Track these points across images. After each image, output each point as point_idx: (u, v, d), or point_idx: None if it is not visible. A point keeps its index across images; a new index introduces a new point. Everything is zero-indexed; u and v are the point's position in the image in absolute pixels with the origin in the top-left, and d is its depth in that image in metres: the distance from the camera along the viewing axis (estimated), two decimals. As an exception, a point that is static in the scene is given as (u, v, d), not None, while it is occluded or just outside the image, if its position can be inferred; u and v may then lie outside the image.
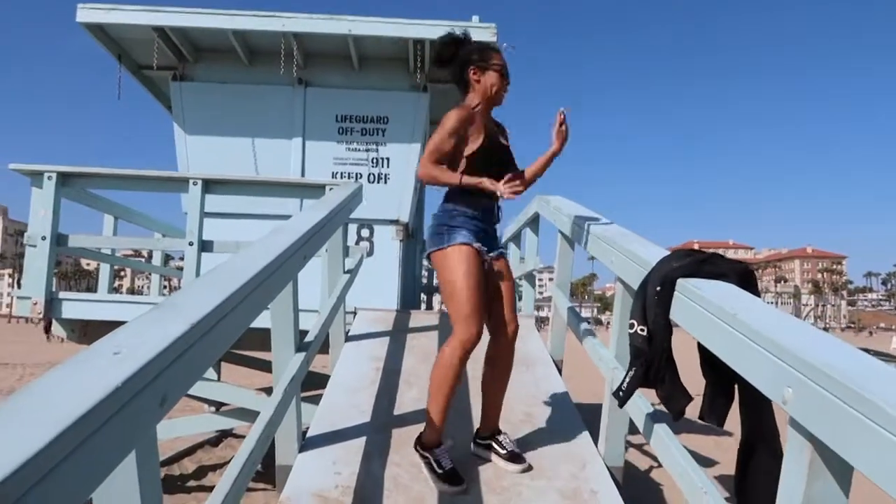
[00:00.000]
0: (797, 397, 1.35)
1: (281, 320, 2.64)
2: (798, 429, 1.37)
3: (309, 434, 2.91)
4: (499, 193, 2.48)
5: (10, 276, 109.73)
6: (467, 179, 2.51)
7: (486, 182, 2.49)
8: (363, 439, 2.89)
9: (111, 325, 4.92)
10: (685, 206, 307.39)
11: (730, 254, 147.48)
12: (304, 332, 3.01)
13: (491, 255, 2.68)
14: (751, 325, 1.55)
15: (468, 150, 2.59)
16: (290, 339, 2.69)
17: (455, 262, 2.52)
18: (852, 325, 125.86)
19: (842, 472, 1.32)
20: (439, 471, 2.48)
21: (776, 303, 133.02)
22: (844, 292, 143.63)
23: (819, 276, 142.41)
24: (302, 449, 2.79)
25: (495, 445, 2.70)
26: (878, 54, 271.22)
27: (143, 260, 9.45)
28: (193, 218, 4.66)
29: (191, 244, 4.64)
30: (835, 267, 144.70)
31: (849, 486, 1.35)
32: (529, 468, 2.64)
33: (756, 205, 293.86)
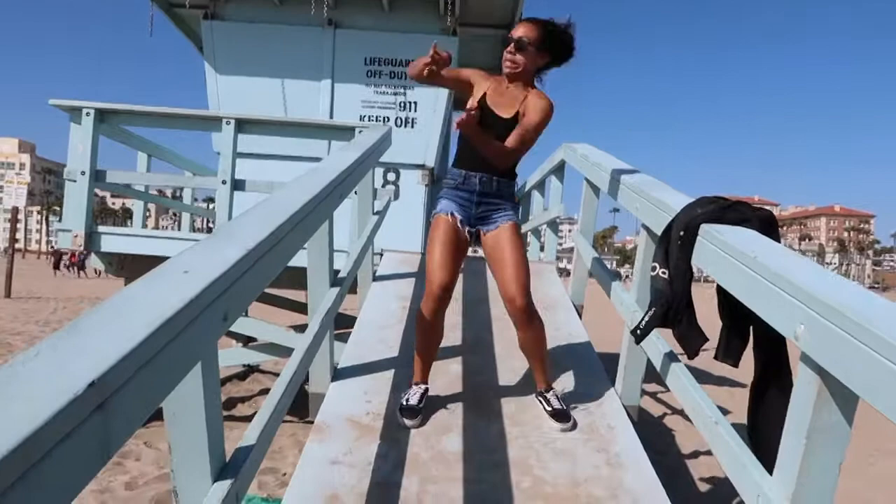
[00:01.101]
0: (809, 333, 1.45)
1: (317, 257, 2.77)
2: (808, 363, 1.47)
3: (340, 366, 3.07)
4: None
5: (38, 213, 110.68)
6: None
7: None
8: (391, 372, 3.05)
9: (148, 260, 5.16)
10: (712, 161, 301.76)
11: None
12: (337, 272, 3.14)
13: (487, 227, 2.75)
14: (769, 266, 1.63)
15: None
16: (326, 274, 2.82)
17: (433, 229, 2.76)
18: (876, 285, 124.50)
19: (847, 402, 1.43)
20: (402, 402, 2.67)
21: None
22: (870, 252, 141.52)
23: (845, 234, 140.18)
24: (334, 379, 2.95)
25: (542, 402, 2.76)
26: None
27: (169, 198, 9.63)
28: (226, 157, 4.78)
29: (224, 183, 4.77)
30: (862, 226, 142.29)
31: (853, 416, 1.45)
32: (573, 427, 2.64)
33: (784, 162, 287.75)
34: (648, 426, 6.16)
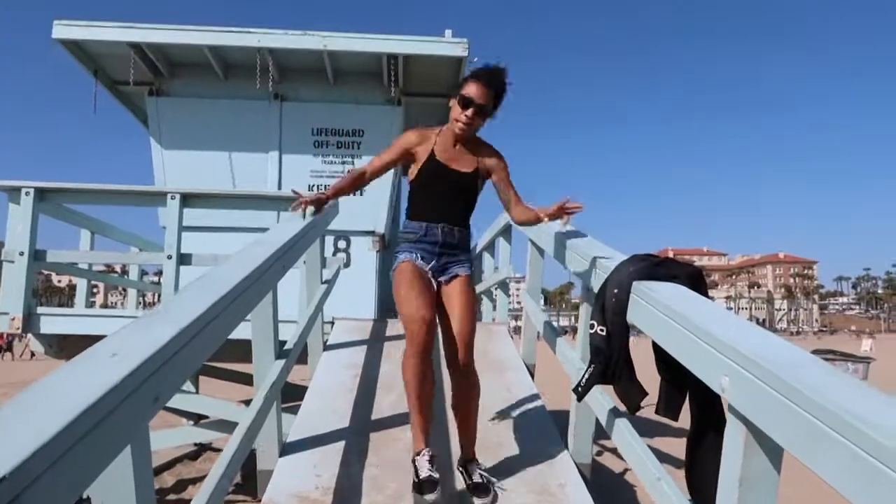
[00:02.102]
0: (733, 385, 1.51)
1: (261, 329, 2.75)
2: (734, 413, 1.52)
3: (289, 439, 3.01)
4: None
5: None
6: (329, 192, 3.05)
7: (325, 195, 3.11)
8: (342, 443, 3.00)
9: (90, 339, 4.98)
10: (660, 215, 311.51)
11: (704, 260, 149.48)
12: (284, 343, 3.11)
13: (443, 277, 2.74)
14: (693, 320, 1.70)
15: (411, 171, 2.81)
16: (270, 346, 2.79)
17: (398, 277, 2.67)
18: (825, 329, 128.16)
19: (773, 451, 1.47)
20: (415, 479, 2.49)
21: (750, 308, 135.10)
22: (816, 296, 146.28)
23: (791, 280, 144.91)
24: (282, 454, 2.88)
25: (463, 473, 2.65)
26: (858, 60, 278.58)
27: (117, 275, 9.44)
28: (172, 232, 4.74)
29: (169, 257, 4.72)
30: (806, 272, 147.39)
31: (780, 465, 1.50)
32: (494, 500, 2.51)
33: (730, 213, 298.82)
34: (608, 482, 6.13)
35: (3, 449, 0.88)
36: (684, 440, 2.09)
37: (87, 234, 5.94)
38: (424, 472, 2.44)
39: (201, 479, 6.91)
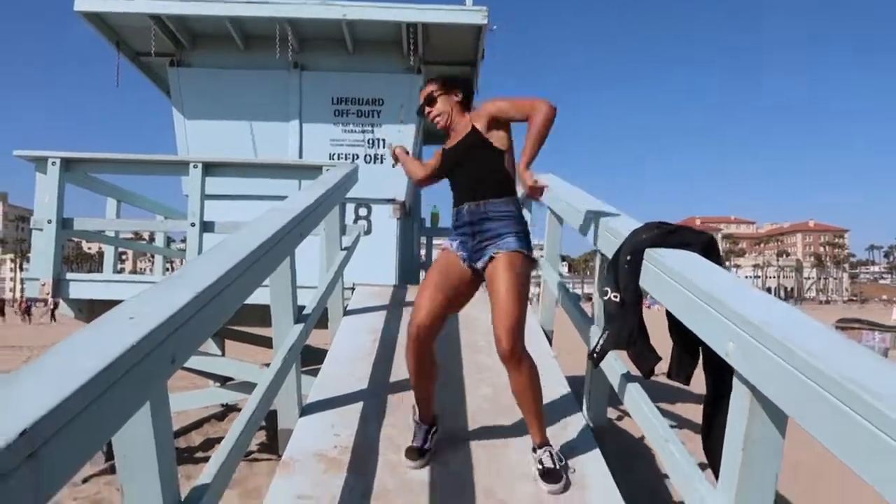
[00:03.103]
0: (738, 350, 1.52)
1: (279, 293, 2.81)
2: (740, 378, 1.54)
3: (308, 401, 3.09)
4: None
5: (11, 260, 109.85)
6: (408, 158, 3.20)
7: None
8: (360, 404, 3.07)
9: (116, 304, 5.14)
10: (688, 182, 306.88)
11: (731, 228, 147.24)
12: (303, 307, 3.18)
13: (479, 262, 2.61)
14: (702, 287, 1.71)
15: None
16: (289, 311, 2.86)
17: (433, 264, 2.74)
18: (855, 298, 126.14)
19: (777, 416, 1.49)
20: (407, 444, 2.64)
21: (778, 276, 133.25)
22: (846, 265, 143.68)
23: (821, 249, 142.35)
24: (302, 414, 2.96)
25: (534, 460, 2.53)
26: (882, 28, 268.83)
27: (145, 242, 9.63)
28: (194, 200, 4.81)
29: (193, 225, 4.80)
30: (837, 240, 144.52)
31: (784, 430, 1.51)
32: (565, 488, 2.41)
33: (759, 179, 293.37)
34: (616, 441, 6.18)
35: (24, 405, 0.93)
36: (694, 404, 2.12)
37: (114, 203, 6.05)
38: (418, 441, 2.61)
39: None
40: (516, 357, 2.43)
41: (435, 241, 8.34)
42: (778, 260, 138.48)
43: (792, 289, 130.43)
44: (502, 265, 2.50)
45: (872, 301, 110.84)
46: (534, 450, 2.55)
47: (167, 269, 8.88)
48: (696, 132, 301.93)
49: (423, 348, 2.54)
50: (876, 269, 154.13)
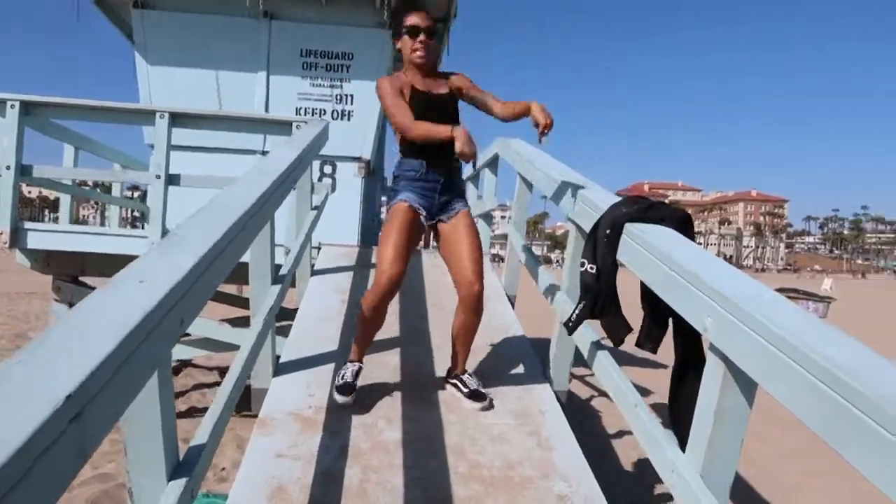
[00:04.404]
0: (715, 325, 1.63)
1: (259, 255, 2.82)
2: (715, 352, 1.65)
3: (282, 360, 3.13)
4: (457, 149, 2.55)
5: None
6: (455, 130, 2.56)
7: (446, 130, 2.58)
8: (332, 365, 3.13)
9: (75, 256, 5.01)
10: (636, 148, 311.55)
11: (678, 195, 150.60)
12: (279, 267, 3.19)
13: (443, 216, 2.82)
14: (682, 264, 1.81)
15: None
16: (267, 272, 2.87)
17: (390, 217, 2.74)
18: (789, 266, 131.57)
19: (748, 387, 1.62)
20: (338, 381, 2.76)
21: (719, 244, 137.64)
22: (784, 235, 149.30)
23: (761, 219, 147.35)
24: (276, 374, 3.01)
25: (459, 385, 2.88)
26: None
27: (99, 191, 9.32)
28: (160, 151, 4.70)
29: (158, 177, 4.70)
30: (776, 210, 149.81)
31: (753, 399, 1.64)
32: (490, 406, 2.79)
33: (706, 148, 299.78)
34: (577, 408, 6.45)
35: (65, 368, 0.96)
36: (650, 371, 2.25)
37: (71, 150, 5.84)
38: (349, 376, 2.77)
39: (183, 393, 7.09)
40: (481, 297, 2.75)
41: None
42: (720, 228, 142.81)
43: (731, 256, 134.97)
44: (468, 220, 2.84)
45: (804, 270, 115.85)
46: (458, 376, 2.90)
47: (125, 220, 8.65)
48: (647, 103, 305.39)
49: (388, 301, 2.71)
50: (811, 239, 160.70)
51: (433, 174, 2.77)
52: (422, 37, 2.71)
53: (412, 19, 2.73)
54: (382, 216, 9.64)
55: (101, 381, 1.01)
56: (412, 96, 2.75)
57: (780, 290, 18.24)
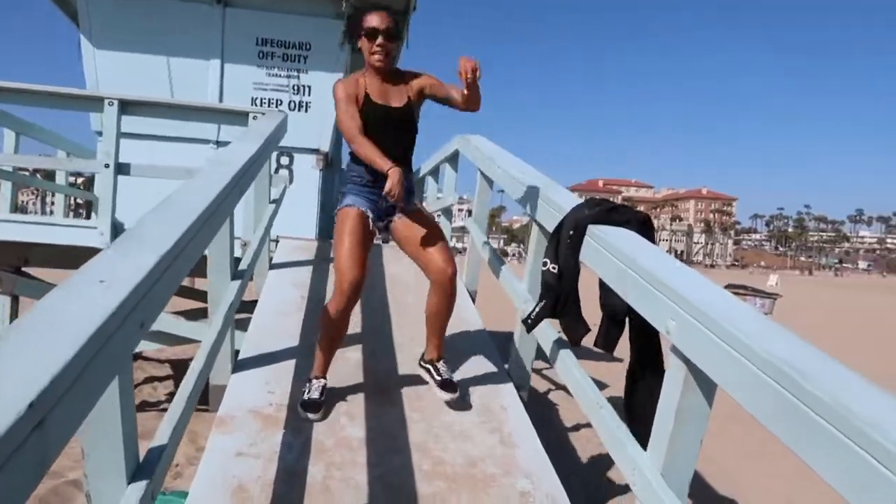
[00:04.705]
0: (678, 328, 1.67)
1: (218, 251, 2.76)
2: (677, 353, 1.69)
3: (241, 356, 3.07)
4: (386, 189, 2.56)
5: None
6: (391, 170, 2.55)
7: (387, 164, 2.57)
8: (293, 361, 3.09)
9: (18, 246, 4.81)
10: (589, 144, 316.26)
11: (631, 191, 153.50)
12: (238, 261, 3.13)
13: (394, 216, 2.83)
14: (646, 267, 1.85)
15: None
16: (227, 268, 2.82)
17: (340, 223, 2.73)
18: (737, 263, 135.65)
19: (708, 388, 1.66)
20: (304, 398, 2.69)
21: (670, 240, 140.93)
22: (732, 232, 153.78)
23: (711, 216, 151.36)
24: (235, 370, 2.95)
25: (432, 371, 2.89)
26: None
27: (38, 177, 8.97)
28: (109, 139, 4.53)
29: (107, 166, 4.54)
30: (726, 208, 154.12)
31: (712, 400, 1.69)
32: (460, 399, 2.80)
33: (658, 146, 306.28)
34: (534, 401, 6.53)
35: (25, 374, 0.92)
36: (605, 364, 2.29)
37: (12, 135, 5.59)
38: (315, 393, 2.71)
39: (135, 386, 6.90)
40: (455, 283, 2.80)
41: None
42: (671, 224, 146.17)
43: (682, 252, 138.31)
44: (423, 213, 2.89)
45: (751, 266, 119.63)
46: (431, 362, 2.91)
47: (69, 209, 8.34)
48: (603, 101, 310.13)
49: (352, 306, 2.71)
50: (757, 236, 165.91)
51: (381, 179, 2.69)
52: (380, 39, 2.67)
53: (370, 21, 2.68)
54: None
55: (64, 388, 0.98)
56: (366, 106, 2.72)
57: (729, 286, 18.79)
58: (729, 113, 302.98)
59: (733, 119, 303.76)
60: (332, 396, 2.80)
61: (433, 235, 2.81)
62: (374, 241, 2.94)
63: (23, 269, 5.15)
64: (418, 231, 2.81)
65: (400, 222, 2.85)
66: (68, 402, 1.00)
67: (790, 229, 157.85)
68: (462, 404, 2.84)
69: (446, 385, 2.80)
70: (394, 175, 2.55)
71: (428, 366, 2.93)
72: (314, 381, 2.77)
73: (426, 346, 3.00)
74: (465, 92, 2.60)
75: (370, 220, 2.78)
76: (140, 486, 1.50)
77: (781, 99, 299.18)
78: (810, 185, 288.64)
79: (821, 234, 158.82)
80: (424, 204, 6.68)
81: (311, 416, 2.63)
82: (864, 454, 1.08)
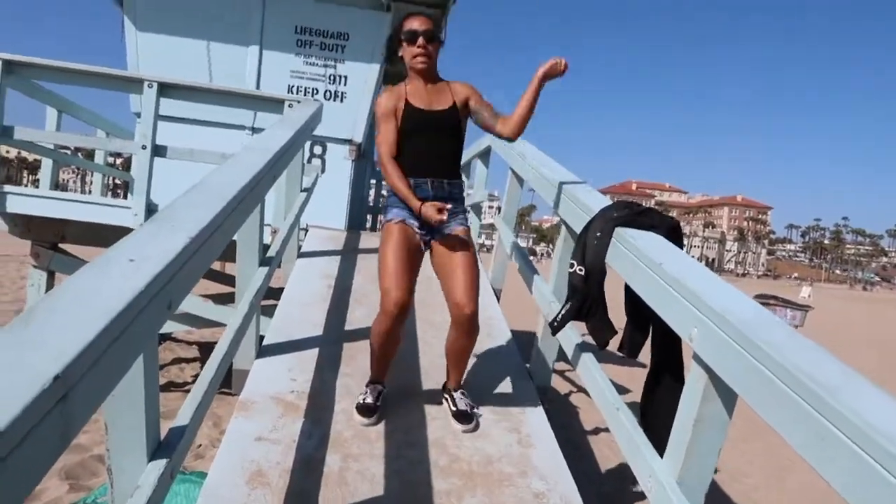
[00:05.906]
0: (701, 336, 1.65)
1: (248, 237, 2.79)
2: (699, 362, 1.67)
3: (265, 342, 3.11)
4: (424, 217, 2.54)
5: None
6: (423, 207, 2.54)
7: (416, 203, 2.56)
8: (316, 350, 3.12)
9: (55, 222, 4.93)
10: (625, 147, 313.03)
11: (665, 196, 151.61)
12: (267, 247, 3.17)
13: (436, 236, 2.69)
14: (672, 274, 1.82)
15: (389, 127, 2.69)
16: (255, 253, 2.85)
17: (385, 238, 2.64)
18: (769, 273, 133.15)
19: (728, 397, 1.64)
20: (358, 401, 2.67)
21: (702, 247, 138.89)
22: (766, 241, 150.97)
23: (745, 224, 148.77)
24: (259, 356, 2.99)
25: (449, 401, 2.78)
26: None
27: (79, 156, 9.17)
28: (147, 121, 4.62)
29: (144, 147, 4.62)
30: (760, 217, 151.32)
31: (732, 410, 1.66)
32: (475, 428, 2.66)
33: (694, 150, 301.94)
34: (555, 402, 6.50)
35: (52, 348, 0.94)
36: (627, 370, 2.27)
37: (54, 114, 5.72)
38: (370, 398, 2.67)
39: (162, 367, 7.04)
40: (474, 320, 2.61)
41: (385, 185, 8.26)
42: (704, 231, 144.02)
43: (713, 259, 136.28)
44: (463, 238, 2.68)
45: (784, 277, 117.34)
46: (449, 391, 2.81)
47: (107, 188, 8.50)
48: (641, 104, 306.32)
49: (400, 325, 2.57)
50: (792, 247, 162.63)
51: (422, 190, 2.65)
52: (420, 41, 2.62)
53: (409, 24, 2.64)
54: (371, 200, 9.61)
55: (89, 363, 1.00)
56: (406, 113, 2.65)
57: (759, 297, 18.47)
58: (769, 121, 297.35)
59: (773, 127, 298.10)
60: (354, 387, 2.82)
61: (463, 267, 2.61)
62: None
63: (59, 245, 5.28)
64: (448, 259, 2.65)
65: (436, 245, 2.70)
66: (93, 378, 1.02)
67: (826, 241, 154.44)
68: (481, 403, 2.83)
69: (460, 416, 2.68)
70: (426, 214, 2.52)
71: (446, 395, 2.83)
72: (371, 385, 2.73)
73: (447, 374, 2.87)
74: (537, 85, 2.58)
75: (416, 234, 2.66)
76: (160, 465, 1.53)
77: (823, 111, 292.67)
78: (849, 198, 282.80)
79: (858, 247, 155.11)
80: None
81: (363, 420, 2.60)
82: (886, 474, 1.05)
